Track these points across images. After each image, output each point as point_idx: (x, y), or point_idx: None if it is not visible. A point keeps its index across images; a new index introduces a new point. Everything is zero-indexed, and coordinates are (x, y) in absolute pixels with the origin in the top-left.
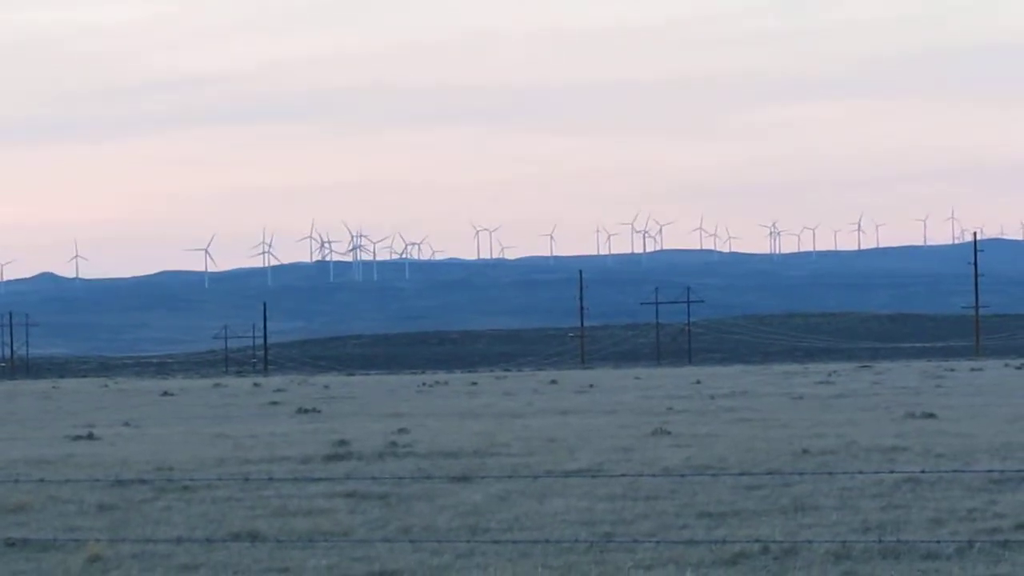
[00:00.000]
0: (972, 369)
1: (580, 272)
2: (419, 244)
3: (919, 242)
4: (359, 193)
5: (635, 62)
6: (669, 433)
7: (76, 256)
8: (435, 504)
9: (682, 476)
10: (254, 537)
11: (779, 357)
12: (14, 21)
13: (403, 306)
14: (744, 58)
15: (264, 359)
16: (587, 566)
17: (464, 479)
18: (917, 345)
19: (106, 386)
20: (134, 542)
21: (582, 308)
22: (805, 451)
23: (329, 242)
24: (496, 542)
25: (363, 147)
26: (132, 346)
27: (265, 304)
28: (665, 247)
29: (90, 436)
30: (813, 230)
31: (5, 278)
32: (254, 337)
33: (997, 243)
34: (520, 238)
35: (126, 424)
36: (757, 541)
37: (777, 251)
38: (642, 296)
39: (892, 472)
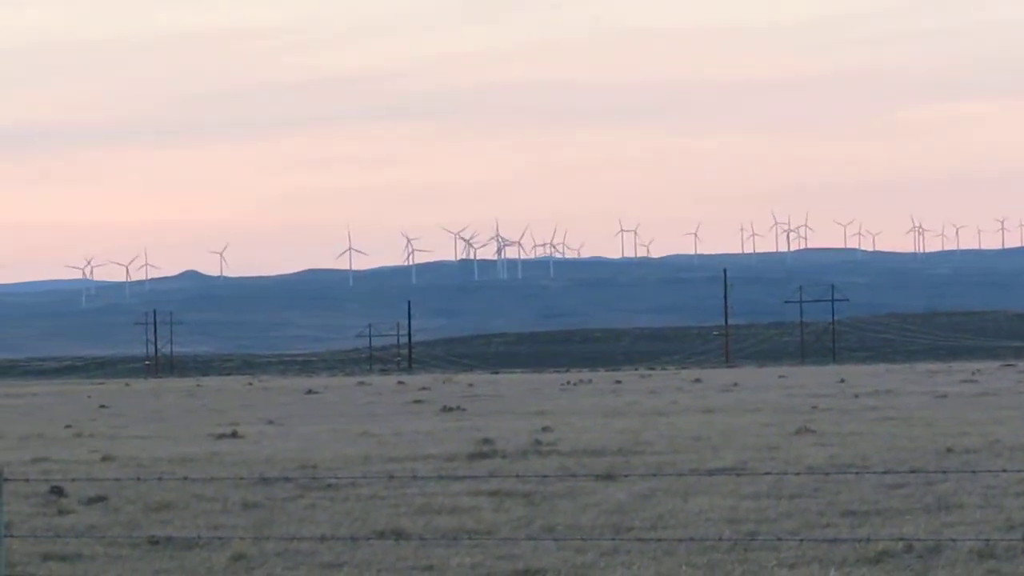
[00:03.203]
0: None
1: (725, 271)
2: (564, 242)
3: None
4: (504, 191)
5: (782, 60)
6: (813, 432)
7: (221, 254)
8: (579, 502)
9: (826, 475)
10: (398, 535)
11: (923, 356)
12: (158, 22)
13: (547, 304)
14: (891, 57)
15: (408, 357)
16: (731, 564)
17: (608, 477)
18: None
19: (250, 384)
20: (278, 540)
21: (727, 306)
22: (949, 450)
23: (474, 240)
24: (640, 540)
25: (508, 145)
26: (276, 344)
27: (409, 302)
28: (809, 246)
29: (234, 434)
30: (957, 229)
31: (150, 276)
32: (398, 335)
33: None
34: (664, 236)
35: (270, 422)
36: (901, 539)
37: (921, 250)
38: (786, 295)
39: None
